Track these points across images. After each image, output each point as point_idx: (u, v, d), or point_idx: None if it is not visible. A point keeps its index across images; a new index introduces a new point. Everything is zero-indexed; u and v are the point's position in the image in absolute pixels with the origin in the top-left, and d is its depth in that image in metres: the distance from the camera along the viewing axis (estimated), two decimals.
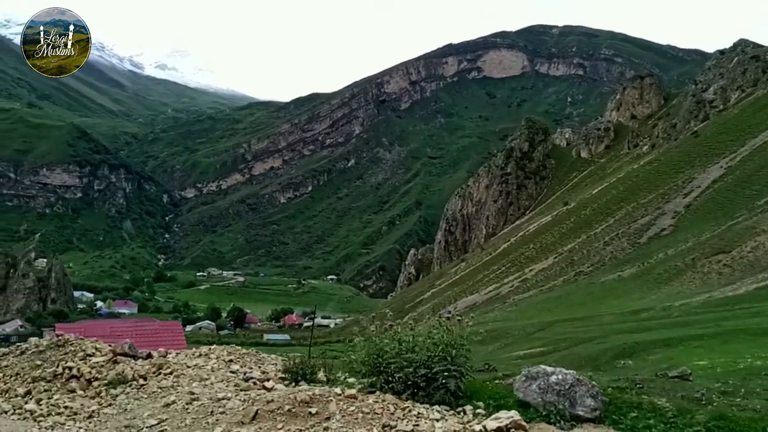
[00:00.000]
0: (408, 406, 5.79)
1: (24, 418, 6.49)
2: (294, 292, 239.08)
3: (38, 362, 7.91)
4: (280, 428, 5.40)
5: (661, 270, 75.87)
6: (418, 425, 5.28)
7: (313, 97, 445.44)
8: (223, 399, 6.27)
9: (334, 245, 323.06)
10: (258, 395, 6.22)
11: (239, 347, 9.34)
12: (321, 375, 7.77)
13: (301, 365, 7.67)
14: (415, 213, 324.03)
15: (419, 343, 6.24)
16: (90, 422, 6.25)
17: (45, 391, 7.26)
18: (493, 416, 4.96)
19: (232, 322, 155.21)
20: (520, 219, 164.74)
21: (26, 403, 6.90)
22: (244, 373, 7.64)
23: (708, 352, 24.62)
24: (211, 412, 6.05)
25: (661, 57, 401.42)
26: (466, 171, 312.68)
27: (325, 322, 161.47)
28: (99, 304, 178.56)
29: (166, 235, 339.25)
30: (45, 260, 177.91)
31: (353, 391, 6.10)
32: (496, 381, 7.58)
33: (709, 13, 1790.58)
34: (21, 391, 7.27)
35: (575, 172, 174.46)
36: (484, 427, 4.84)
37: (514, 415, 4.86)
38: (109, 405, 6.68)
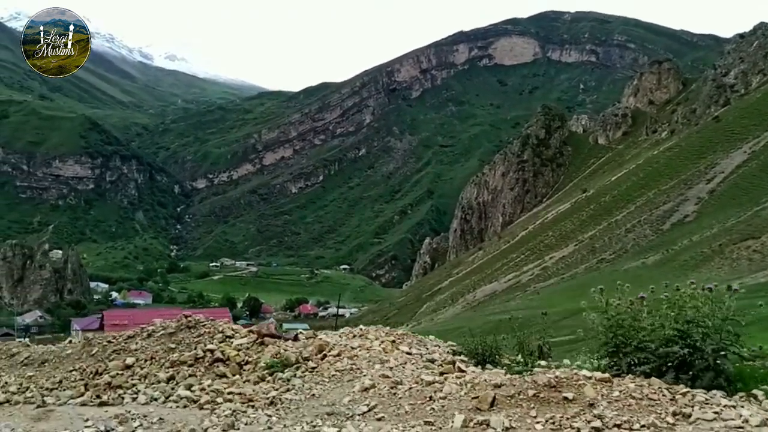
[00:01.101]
0: (687, 391, 4.96)
1: (184, 406, 5.77)
2: (307, 281, 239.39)
3: (171, 345, 7.24)
4: (534, 416, 4.66)
5: (686, 257, 74.67)
6: (718, 413, 4.51)
7: (323, 87, 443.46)
8: (434, 383, 5.52)
9: (346, 235, 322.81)
10: (476, 379, 5.52)
11: (390, 328, 8.64)
12: (504, 358, 7.13)
13: (485, 346, 7.04)
14: (427, 202, 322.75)
15: (670, 319, 5.52)
16: (276, 409, 5.50)
17: (190, 375, 6.58)
18: None
19: (248, 312, 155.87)
20: (537, 207, 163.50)
21: (173, 389, 6.25)
22: (421, 355, 6.97)
23: (747, 339, 23.82)
24: (429, 397, 5.27)
25: (674, 42, 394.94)
26: (478, 159, 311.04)
27: (341, 311, 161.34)
28: (114, 294, 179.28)
29: (178, 226, 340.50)
30: (60, 251, 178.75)
31: (605, 375, 5.37)
32: (746, 363, 6.82)
33: None
34: (163, 376, 6.59)
35: (593, 158, 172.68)
36: None
37: None
38: (288, 390, 6.00)
